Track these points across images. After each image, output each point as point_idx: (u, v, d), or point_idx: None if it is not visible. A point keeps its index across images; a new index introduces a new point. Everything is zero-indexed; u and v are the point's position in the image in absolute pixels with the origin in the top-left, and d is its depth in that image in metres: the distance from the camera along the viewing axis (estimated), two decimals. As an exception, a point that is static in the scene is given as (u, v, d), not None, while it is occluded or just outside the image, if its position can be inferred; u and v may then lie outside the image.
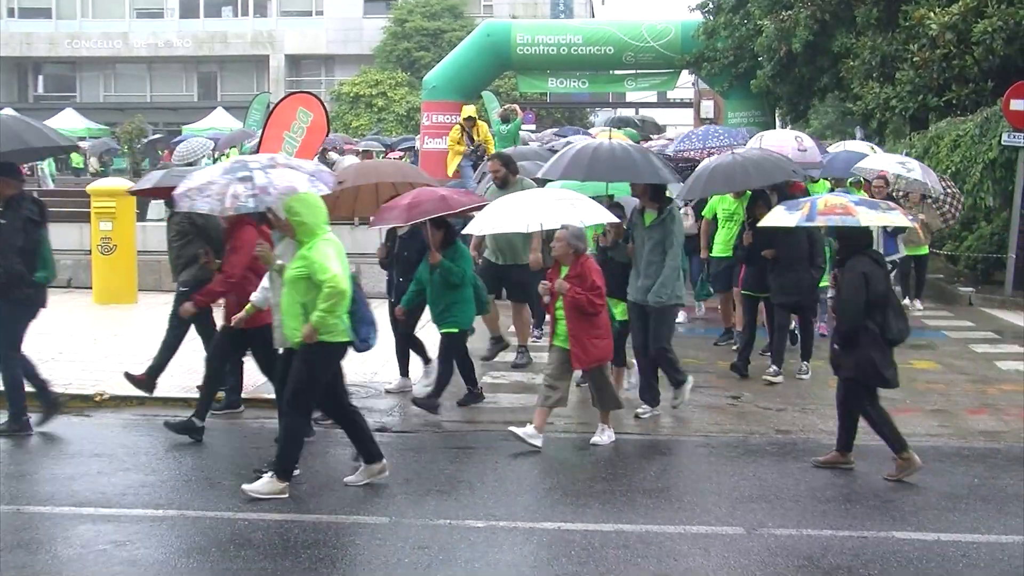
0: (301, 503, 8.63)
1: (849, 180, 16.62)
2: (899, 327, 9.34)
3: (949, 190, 18.04)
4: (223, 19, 66.75)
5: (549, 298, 10.22)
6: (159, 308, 12.76)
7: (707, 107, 46.75)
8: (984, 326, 16.98)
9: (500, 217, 10.87)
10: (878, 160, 16.40)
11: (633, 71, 37.68)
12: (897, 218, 9.96)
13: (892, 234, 15.39)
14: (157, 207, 29.13)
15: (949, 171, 19.56)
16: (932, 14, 20.45)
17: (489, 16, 55.11)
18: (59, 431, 10.57)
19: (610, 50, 35.85)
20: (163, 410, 11.21)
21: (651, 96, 51.27)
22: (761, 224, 10.94)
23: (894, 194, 16.89)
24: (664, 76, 38.26)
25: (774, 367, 12.83)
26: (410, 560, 7.52)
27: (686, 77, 42.28)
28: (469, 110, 22.33)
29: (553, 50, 36.14)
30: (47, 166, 39.00)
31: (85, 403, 11.47)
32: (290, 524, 8.09)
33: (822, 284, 14.41)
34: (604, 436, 10.33)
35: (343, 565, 7.41)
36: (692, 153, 18.00)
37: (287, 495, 8.57)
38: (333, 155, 35.05)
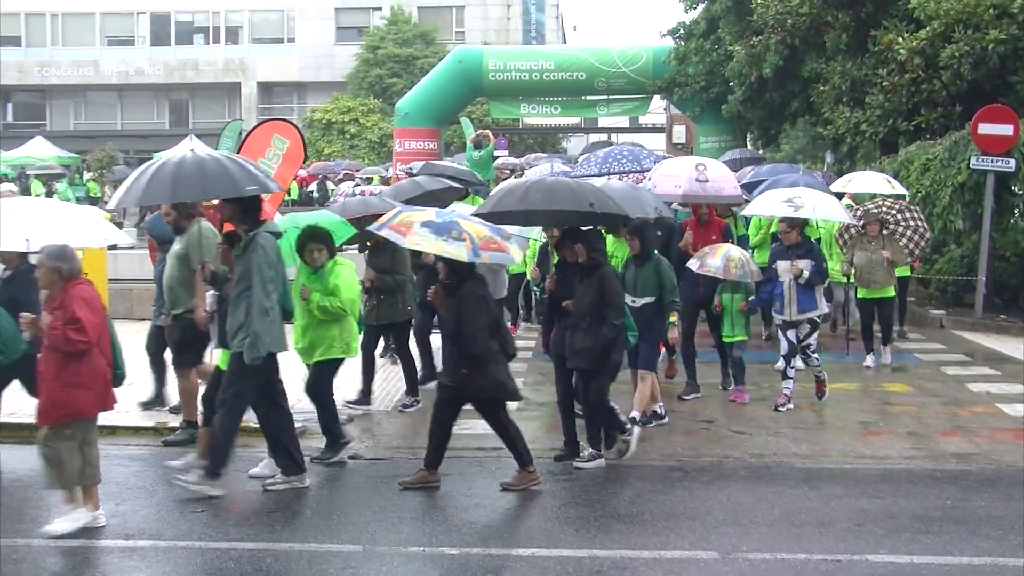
0: (274, 531, 8.57)
1: None
2: (513, 342, 9.81)
3: (913, 222, 15.83)
4: (194, 46, 66.67)
5: (30, 335, 8.62)
6: (131, 336, 12.65)
7: (679, 132, 46.92)
8: (955, 348, 17.05)
9: None
10: (765, 203, 13.60)
11: (605, 97, 37.92)
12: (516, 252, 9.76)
13: (807, 286, 12.48)
14: (128, 234, 29.15)
15: (919, 195, 19.66)
16: (900, 39, 20.60)
17: (461, 43, 55.21)
18: (28, 462, 10.46)
19: (582, 76, 36.04)
20: (133, 439, 11.16)
21: (623, 121, 51.43)
22: (413, 247, 9.84)
23: (851, 229, 15.32)
24: (636, 101, 38.50)
25: (590, 450, 10.50)
26: (383, 588, 7.48)
27: (658, 102, 42.47)
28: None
29: (525, 76, 36.32)
30: (65, 191, 38.89)
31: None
32: (263, 553, 8.04)
33: (737, 338, 12.95)
34: (66, 523, 8.49)
35: (316, 594, 7.35)
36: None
37: None
38: (329, 184, 35.04)
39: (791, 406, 12.51)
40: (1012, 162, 18.61)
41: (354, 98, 56.33)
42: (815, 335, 12.76)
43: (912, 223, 15.77)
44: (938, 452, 11.03)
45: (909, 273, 17.12)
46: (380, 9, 62.39)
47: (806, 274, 12.40)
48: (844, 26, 23.50)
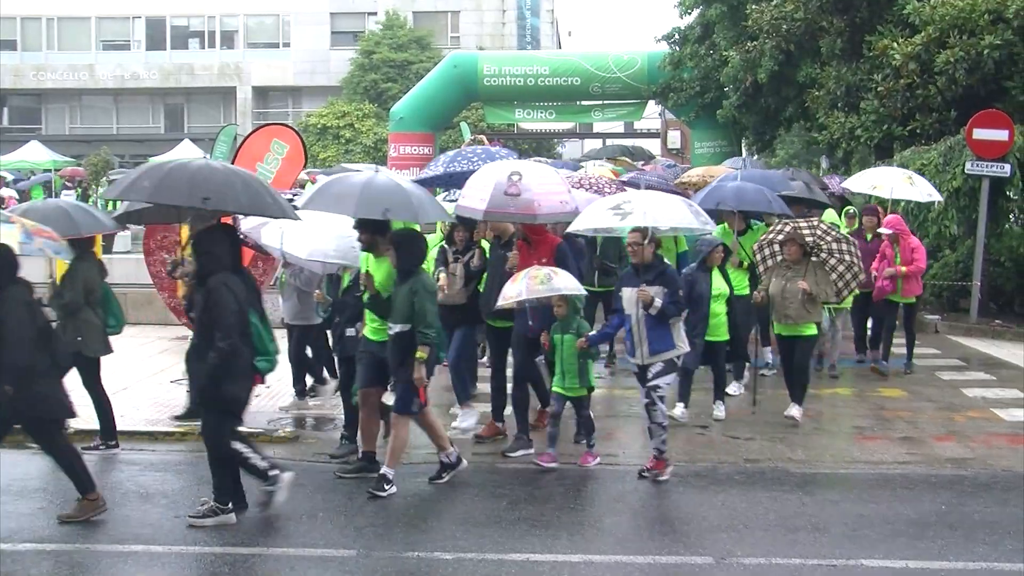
0: (268, 536, 8.56)
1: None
2: (64, 352, 9.05)
3: (848, 257, 12.47)
4: (190, 51, 66.67)
5: None
6: (126, 340, 12.66)
7: (674, 137, 46.99)
8: (950, 353, 17.07)
9: None
10: (590, 215, 10.57)
11: (600, 102, 37.86)
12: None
13: (660, 318, 9.89)
14: (123, 239, 29.08)
15: (913, 201, 19.66)
16: (895, 45, 20.63)
17: (456, 47, 55.25)
18: (21, 466, 10.44)
19: (577, 81, 36.00)
20: (127, 443, 11.12)
21: (618, 126, 51.41)
22: None
23: (773, 245, 12.56)
24: (631, 106, 38.45)
25: (206, 504, 8.94)
26: (378, 593, 7.47)
27: (653, 107, 42.38)
28: None
29: (520, 81, 36.27)
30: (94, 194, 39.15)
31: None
32: (256, 558, 8.03)
33: (571, 394, 10.42)
34: None
35: (310, 599, 7.34)
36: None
37: None
38: None
39: (667, 476, 10.03)
40: (1007, 167, 18.66)
41: (349, 103, 56.27)
42: (668, 378, 10.15)
43: (847, 258, 12.49)
44: (933, 457, 11.04)
45: (914, 300, 15.35)
46: (375, 14, 62.35)
47: (658, 303, 9.79)
48: (839, 31, 23.51)
